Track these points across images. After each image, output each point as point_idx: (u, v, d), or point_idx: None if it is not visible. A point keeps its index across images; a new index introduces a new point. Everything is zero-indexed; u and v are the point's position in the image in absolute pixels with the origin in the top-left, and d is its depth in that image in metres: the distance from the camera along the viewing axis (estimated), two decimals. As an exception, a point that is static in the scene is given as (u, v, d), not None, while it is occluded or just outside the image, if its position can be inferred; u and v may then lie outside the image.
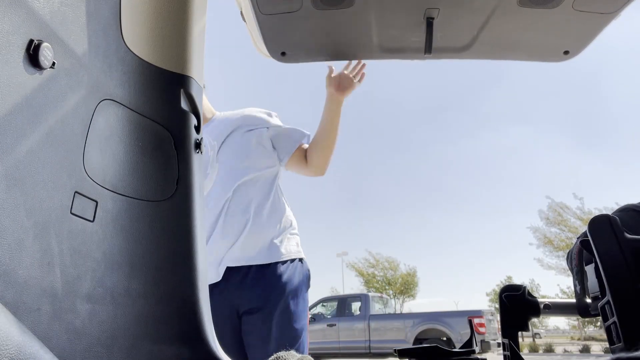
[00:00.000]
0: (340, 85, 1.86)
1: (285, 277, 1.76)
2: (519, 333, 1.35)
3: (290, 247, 1.83)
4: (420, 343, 12.10)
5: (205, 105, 1.97)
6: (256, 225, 1.79)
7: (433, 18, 1.27)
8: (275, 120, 1.98)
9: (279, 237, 1.82)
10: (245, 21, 1.46)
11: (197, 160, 0.94)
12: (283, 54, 1.46)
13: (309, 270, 1.90)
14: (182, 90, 0.90)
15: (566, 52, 1.39)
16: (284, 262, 1.78)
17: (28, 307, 0.57)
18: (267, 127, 1.94)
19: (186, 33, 0.91)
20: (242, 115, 1.95)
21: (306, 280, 1.86)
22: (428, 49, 1.39)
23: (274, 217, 1.84)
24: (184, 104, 0.91)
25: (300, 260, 1.86)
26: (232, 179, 1.83)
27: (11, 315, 0.51)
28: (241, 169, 1.84)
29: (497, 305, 1.46)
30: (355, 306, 14.57)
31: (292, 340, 1.72)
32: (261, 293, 1.72)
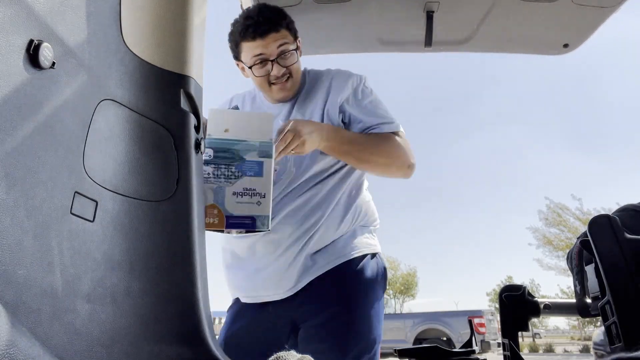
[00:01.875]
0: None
1: (351, 280, 1.44)
2: (519, 333, 1.35)
3: (357, 242, 1.50)
4: (420, 343, 12.10)
5: None
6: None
7: (433, 11, 1.27)
8: None
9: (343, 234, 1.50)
10: None
11: (197, 160, 0.94)
12: None
13: (384, 268, 1.56)
14: (182, 90, 0.90)
15: (566, 45, 1.40)
16: (349, 262, 1.45)
17: (28, 307, 0.57)
18: None
19: (186, 33, 0.91)
20: None
21: (380, 280, 1.51)
22: (428, 41, 1.40)
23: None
24: (184, 104, 0.91)
25: (373, 255, 1.52)
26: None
27: (11, 315, 0.51)
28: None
29: (497, 305, 1.46)
30: (355, 306, 14.54)
31: (361, 354, 1.39)
32: (322, 302, 1.41)
